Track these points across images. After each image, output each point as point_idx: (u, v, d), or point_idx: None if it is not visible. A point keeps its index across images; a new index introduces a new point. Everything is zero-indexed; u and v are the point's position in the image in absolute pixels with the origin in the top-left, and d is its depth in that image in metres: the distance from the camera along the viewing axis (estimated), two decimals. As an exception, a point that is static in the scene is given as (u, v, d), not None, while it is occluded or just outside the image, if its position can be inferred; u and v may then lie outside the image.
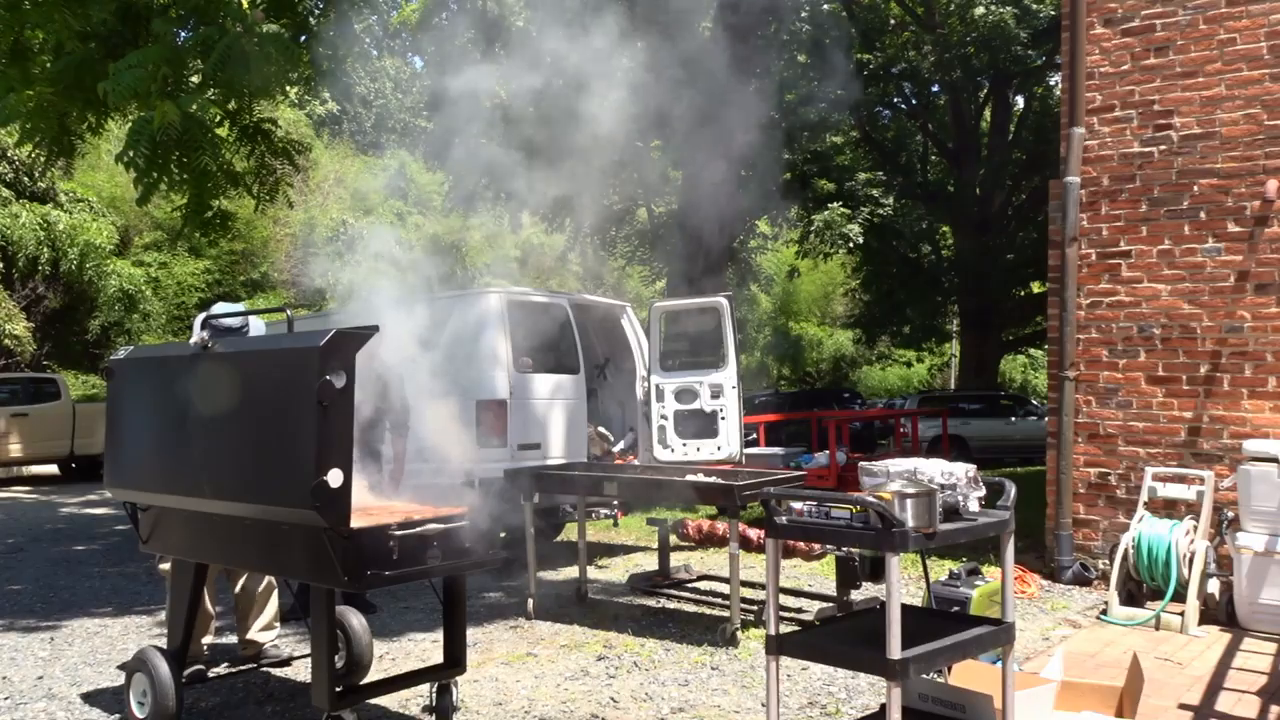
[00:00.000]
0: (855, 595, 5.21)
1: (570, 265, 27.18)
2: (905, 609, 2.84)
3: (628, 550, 8.53)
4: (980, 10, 16.07)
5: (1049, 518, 6.85)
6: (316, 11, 8.29)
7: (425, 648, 5.35)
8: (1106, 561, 6.40)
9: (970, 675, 3.65)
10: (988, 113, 21.06)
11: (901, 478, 3.04)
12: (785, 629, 3.17)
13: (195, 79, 7.19)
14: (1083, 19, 6.73)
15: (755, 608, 5.84)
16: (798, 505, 3.11)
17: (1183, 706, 4.22)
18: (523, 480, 6.06)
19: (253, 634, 4.96)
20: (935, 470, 3.12)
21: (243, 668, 4.91)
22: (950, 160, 21.26)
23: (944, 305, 23.76)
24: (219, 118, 8.03)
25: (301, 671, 4.88)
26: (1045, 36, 16.31)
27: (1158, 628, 5.52)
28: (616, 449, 8.59)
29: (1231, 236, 6.22)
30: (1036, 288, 20.49)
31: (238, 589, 4.95)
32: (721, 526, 8.05)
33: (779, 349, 36.41)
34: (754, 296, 31.13)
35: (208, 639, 4.97)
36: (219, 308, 4.85)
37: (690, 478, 5.90)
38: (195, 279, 23.78)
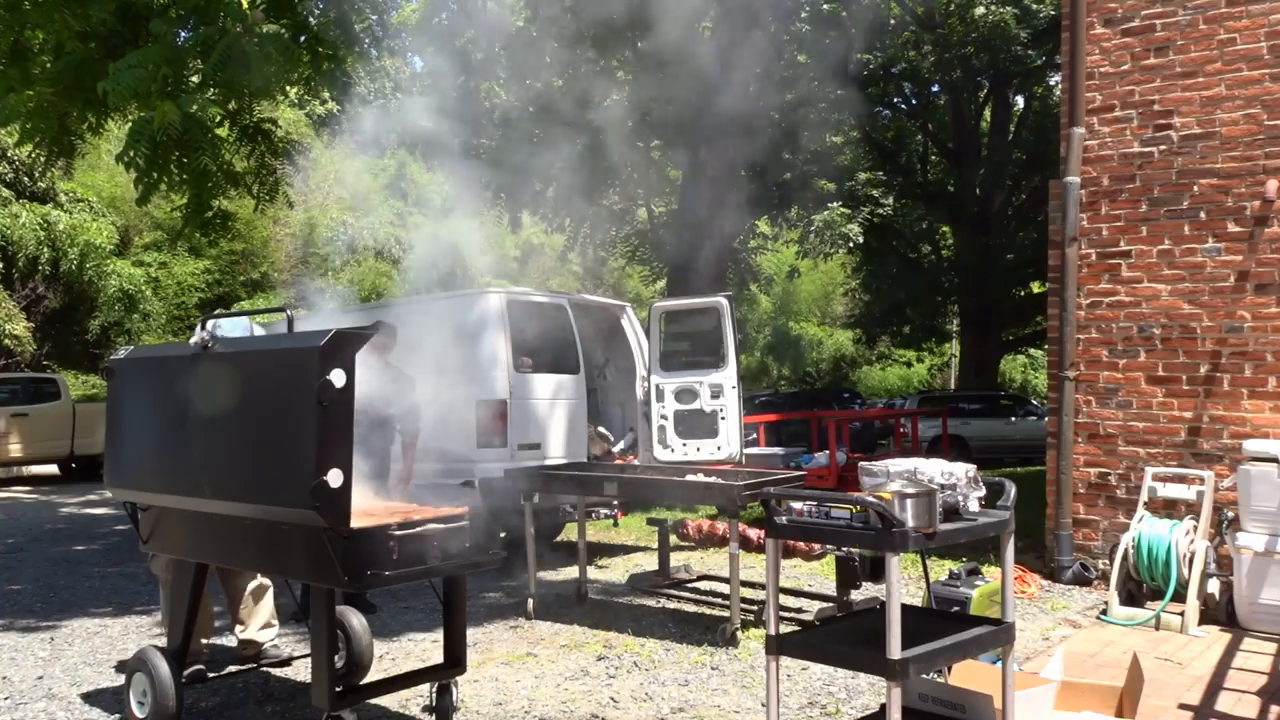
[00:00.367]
0: (855, 595, 5.21)
1: (570, 265, 27.18)
2: (905, 609, 2.84)
3: (628, 550, 8.53)
4: (980, 10, 16.06)
5: (1049, 518, 6.85)
6: (316, 11, 8.29)
7: (425, 648, 5.35)
8: (1106, 561, 6.40)
9: (970, 675, 3.65)
10: (988, 113, 21.06)
11: (901, 478, 3.04)
12: (785, 629, 3.17)
13: (195, 79, 7.19)
14: (1083, 19, 6.73)
15: (755, 608, 5.84)
16: (798, 505, 3.11)
17: (1183, 706, 4.22)
18: (523, 480, 6.06)
19: (252, 634, 4.95)
20: (935, 470, 3.12)
21: (243, 668, 4.91)
22: (950, 160, 21.27)
23: (944, 305, 23.78)
24: (219, 118, 8.03)
25: (301, 671, 4.88)
26: (1045, 36, 16.31)
27: (1158, 628, 5.52)
28: (616, 449, 8.59)
29: (1231, 236, 6.22)
30: (1036, 288, 20.50)
31: (229, 588, 4.95)
32: (721, 526, 8.07)
33: (779, 349, 36.43)
34: (754, 296, 31.12)
35: (207, 639, 4.97)
36: (225, 325, 4.71)
37: (690, 478, 5.90)
38: (195, 279, 23.77)
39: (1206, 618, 5.63)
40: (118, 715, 4.33)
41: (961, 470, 3.13)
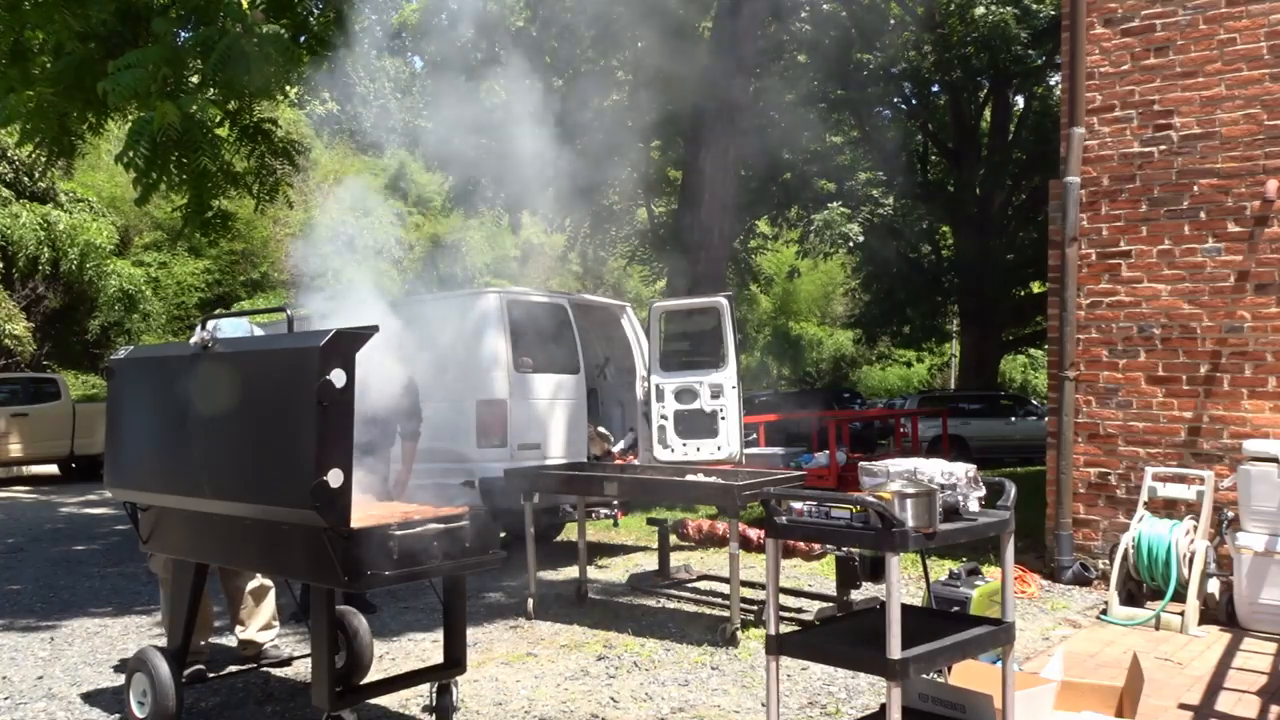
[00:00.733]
0: (855, 595, 5.22)
1: (570, 265, 27.19)
2: (905, 609, 2.84)
3: (628, 550, 8.53)
4: (980, 10, 16.07)
5: (1049, 518, 6.85)
6: (316, 11, 8.29)
7: (425, 648, 5.35)
8: (1106, 561, 6.40)
9: (970, 675, 3.65)
10: (988, 113, 21.06)
11: (901, 478, 3.04)
12: (785, 629, 3.16)
13: (195, 79, 7.19)
14: (1083, 19, 6.73)
15: (755, 608, 5.84)
16: (798, 505, 3.11)
17: (1183, 706, 4.22)
18: (523, 480, 6.06)
19: (252, 634, 4.95)
20: (935, 470, 3.12)
21: (243, 668, 4.91)
22: (950, 160, 21.27)
23: (944, 305, 23.78)
24: (219, 118, 8.04)
25: (301, 671, 4.89)
26: (1045, 36, 16.31)
27: (1158, 628, 5.52)
28: (616, 449, 8.60)
29: (1231, 236, 6.22)
30: (1036, 288, 20.50)
31: (229, 588, 4.95)
32: (721, 526, 8.08)
33: (779, 349, 36.42)
34: (754, 296, 31.12)
35: (207, 639, 4.97)
36: (225, 326, 4.70)
37: (690, 478, 5.90)
38: (195, 279, 23.78)
39: (1206, 618, 5.63)
40: (118, 715, 4.32)
41: (961, 470, 3.13)
